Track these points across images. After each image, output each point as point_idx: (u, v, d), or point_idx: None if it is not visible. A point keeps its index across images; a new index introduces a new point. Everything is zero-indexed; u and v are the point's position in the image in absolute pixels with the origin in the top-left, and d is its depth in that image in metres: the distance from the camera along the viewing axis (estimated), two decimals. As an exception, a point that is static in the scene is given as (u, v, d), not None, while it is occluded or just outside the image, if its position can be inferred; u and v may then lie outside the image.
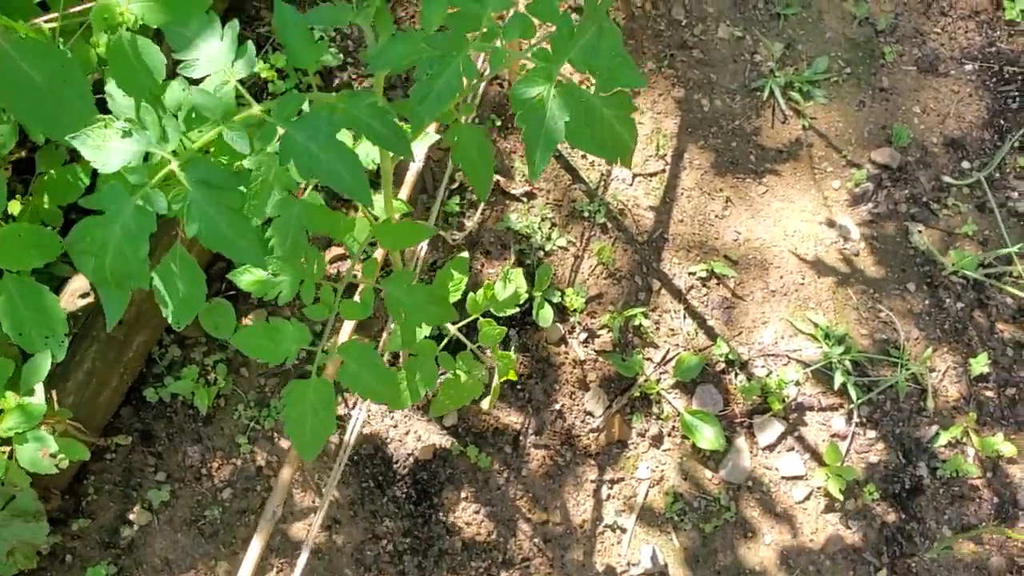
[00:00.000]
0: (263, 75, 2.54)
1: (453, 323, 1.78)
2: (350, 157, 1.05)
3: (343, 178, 1.05)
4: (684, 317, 2.52)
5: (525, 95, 1.08)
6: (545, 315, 2.39)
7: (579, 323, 2.47)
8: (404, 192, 2.27)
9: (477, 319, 1.80)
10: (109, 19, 1.78)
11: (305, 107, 1.13)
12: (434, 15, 1.12)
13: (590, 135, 1.11)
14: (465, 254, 1.78)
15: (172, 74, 1.37)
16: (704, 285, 2.56)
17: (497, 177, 2.61)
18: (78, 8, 1.88)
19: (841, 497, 2.32)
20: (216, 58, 1.12)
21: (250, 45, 1.13)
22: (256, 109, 1.08)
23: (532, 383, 2.39)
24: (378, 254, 1.66)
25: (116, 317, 1.15)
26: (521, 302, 1.79)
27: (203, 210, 1.03)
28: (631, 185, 2.67)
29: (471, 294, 1.76)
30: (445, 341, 1.82)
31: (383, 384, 1.37)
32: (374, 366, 1.37)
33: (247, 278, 1.40)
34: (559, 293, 2.46)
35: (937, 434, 2.41)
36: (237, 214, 1.03)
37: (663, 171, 2.70)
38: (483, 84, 2.63)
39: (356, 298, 1.51)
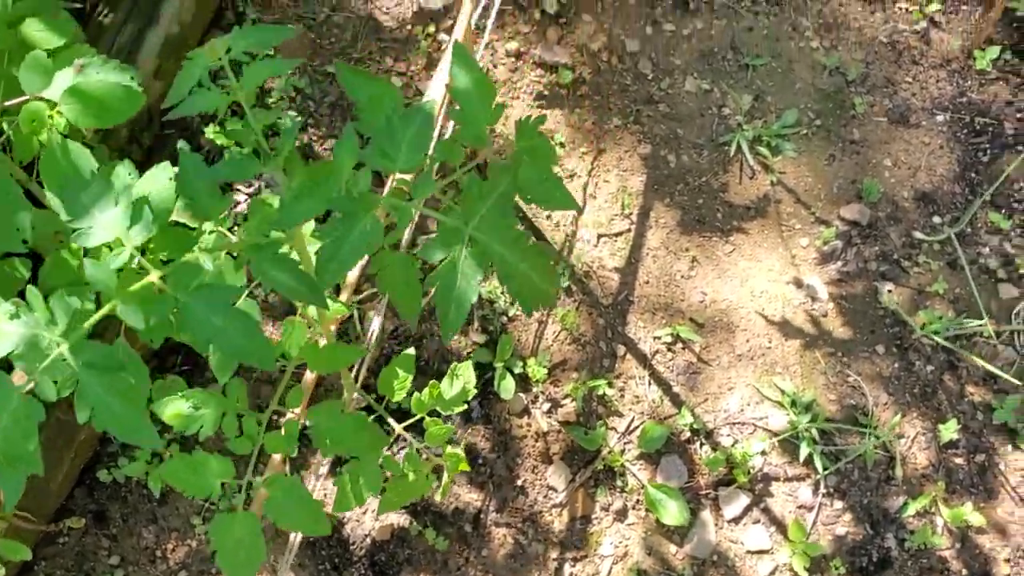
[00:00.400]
0: (218, 141, 2.47)
1: (399, 422, 1.72)
2: (249, 325, 0.99)
3: (244, 347, 0.99)
4: (649, 384, 2.46)
5: (435, 257, 1.02)
6: (507, 386, 2.33)
7: (543, 392, 2.41)
8: (354, 271, 2.21)
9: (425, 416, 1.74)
10: (38, 122, 1.72)
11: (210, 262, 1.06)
12: (345, 162, 1.06)
13: (510, 286, 1.05)
14: (411, 350, 1.72)
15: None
16: (670, 350, 2.50)
17: (459, 241, 2.55)
18: (16, 101, 1.81)
19: (807, 574, 2.27)
20: (111, 225, 1.05)
21: (147, 211, 1.06)
22: (154, 277, 1.02)
23: (494, 457, 2.33)
24: (308, 378, 1.60)
25: (14, 500, 1.09)
26: (469, 398, 1.73)
27: (94, 393, 0.97)
28: (596, 246, 2.61)
29: (416, 394, 1.70)
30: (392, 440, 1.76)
31: (310, 516, 1.31)
32: (300, 499, 1.31)
33: (169, 410, 1.34)
34: (521, 363, 2.40)
35: (905, 504, 2.35)
36: (128, 396, 0.97)
37: (628, 230, 2.64)
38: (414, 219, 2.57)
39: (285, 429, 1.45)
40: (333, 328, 2.10)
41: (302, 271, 1.06)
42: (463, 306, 1.01)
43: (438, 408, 1.71)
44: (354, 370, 2.08)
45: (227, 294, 0.98)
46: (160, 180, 1.33)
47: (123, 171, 1.26)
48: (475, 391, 1.87)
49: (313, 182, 1.03)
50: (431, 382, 1.70)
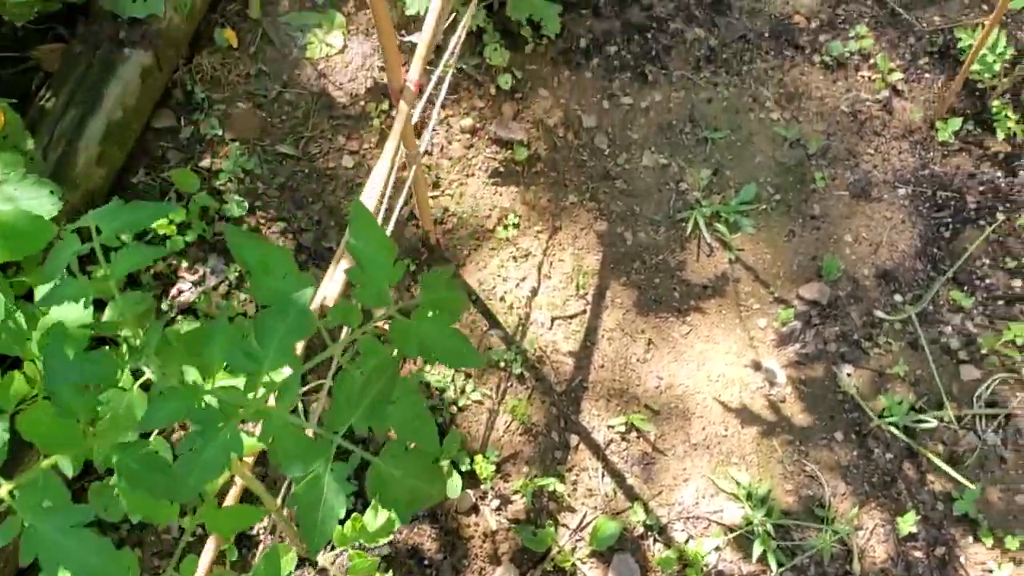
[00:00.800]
0: (161, 231, 2.40)
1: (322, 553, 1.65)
2: (102, 550, 0.92)
3: (98, 568, 0.92)
4: (603, 476, 2.39)
5: (297, 471, 0.94)
6: (454, 484, 2.26)
7: (492, 488, 2.34)
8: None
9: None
10: (-62, 253, 1.65)
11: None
12: (215, 359, 0.98)
13: (383, 496, 0.98)
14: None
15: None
16: (624, 439, 2.42)
17: (408, 329, 2.48)
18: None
19: None
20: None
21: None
22: (3, 491, 0.95)
23: (440, 559, 2.26)
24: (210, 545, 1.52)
25: None
26: (395, 528, 1.66)
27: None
28: (550, 329, 2.54)
29: (339, 528, 1.63)
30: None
31: None
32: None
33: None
34: (469, 459, 2.33)
35: (863, 601, 2.27)
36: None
37: (584, 311, 2.56)
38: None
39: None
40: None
41: (171, 470, 0.99)
42: (329, 523, 0.93)
43: (362, 541, 1.63)
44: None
45: (78, 514, 0.91)
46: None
47: None
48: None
49: (174, 388, 0.96)
50: (354, 515, 1.62)
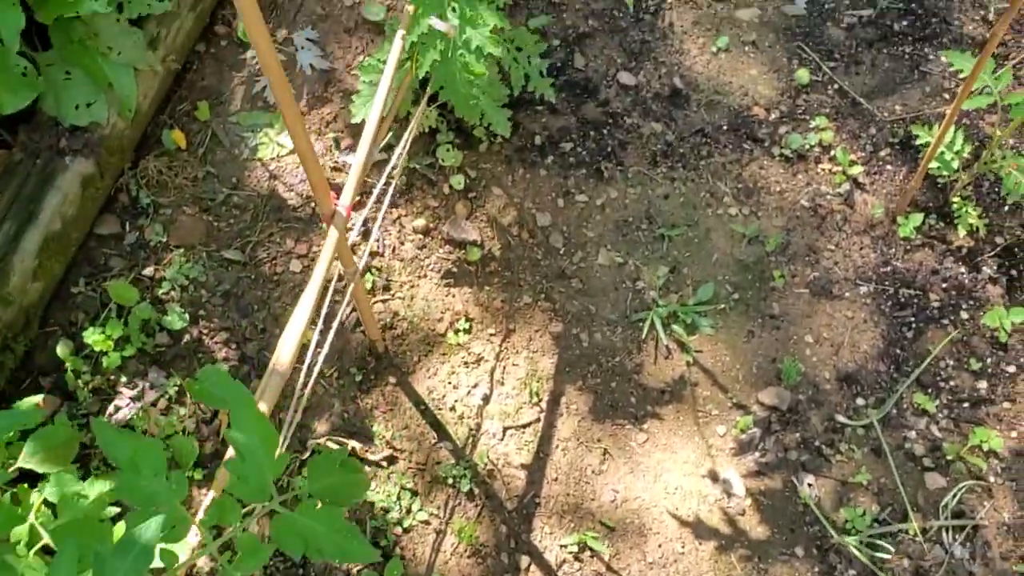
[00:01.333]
0: (97, 347, 2.31)
1: None
2: None
3: None
4: (554, 598, 2.27)
5: None
6: (396, 614, 2.14)
7: (437, 615, 2.22)
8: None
9: None
10: None
11: None
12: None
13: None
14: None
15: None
16: (577, 559, 2.31)
17: (353, 443, 2.37)
18: None
19: None
20: None
21: None
22: None
23: None
24: None
25: None
26: None
27: None
28: (502, 440, 2.43)
29: None
30: None
31: None
32: None
33: None
34: (415, 582, 2.21)
35: None
36: None
37: (538, 420, 2.46)
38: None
39: None
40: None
41: None
42: None
43: None
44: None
45: None
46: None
47: None
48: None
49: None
50: None
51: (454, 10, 1.99)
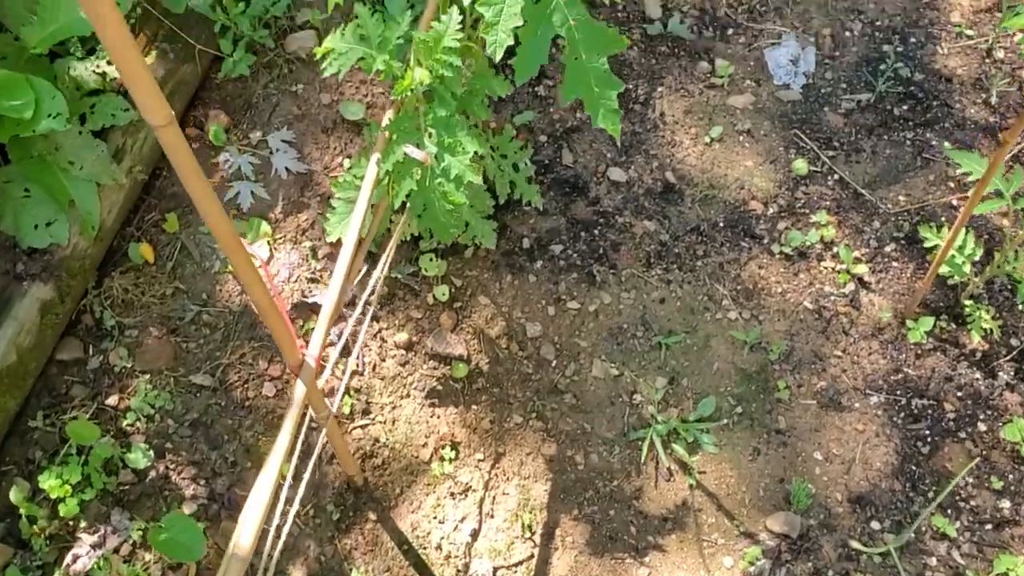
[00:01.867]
0: (54, 494, 2.12)
1: None
2: None
3: None
4: None
5: None
6: None
7: None
8: None
9: None
10: None
11: None
12: None
13: None
14: None
15: None
16: None
17: (332, 590, 2.17)
18: None
19: None
20: None
21: None
22: None
23: None
24: None
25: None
26: None
27: None
28: (493, 579, 2.24)
29: None
30: None
31: None
32: None
33: None
34: None
35: None
36: None
37: (531, 556, 2.26)
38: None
39: None
40: None
41: None
42: None
43: None
44: None
45: None
46: None
47: None
48: None
49: None
50: None
51: (431, 136, 1.83)
